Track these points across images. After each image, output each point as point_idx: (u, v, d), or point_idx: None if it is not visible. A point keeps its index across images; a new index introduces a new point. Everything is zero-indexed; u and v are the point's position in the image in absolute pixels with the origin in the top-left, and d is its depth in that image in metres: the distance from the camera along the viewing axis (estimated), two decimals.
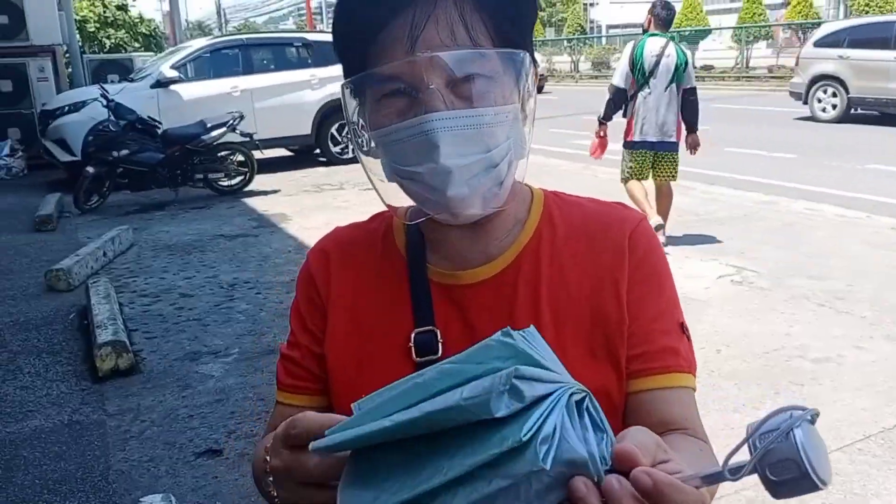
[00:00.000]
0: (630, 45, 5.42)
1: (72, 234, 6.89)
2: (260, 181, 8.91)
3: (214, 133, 8.14)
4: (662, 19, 5.36)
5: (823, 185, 7.64)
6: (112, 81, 10.96)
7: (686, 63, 5.28)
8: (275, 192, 8.70)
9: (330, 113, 10.15)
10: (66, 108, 9.18)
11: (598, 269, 0.83)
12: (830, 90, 12.57)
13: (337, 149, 10.35)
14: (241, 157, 8.58)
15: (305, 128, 10.10)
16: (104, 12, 18.87)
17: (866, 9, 22.45)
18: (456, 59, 0.71)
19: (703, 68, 23.70)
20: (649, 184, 5.52)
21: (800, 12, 23.33)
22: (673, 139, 5.34)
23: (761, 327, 3.96)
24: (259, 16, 77.79)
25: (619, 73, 5.43)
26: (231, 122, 8.24)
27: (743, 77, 22.89)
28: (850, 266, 4.92)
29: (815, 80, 12.74)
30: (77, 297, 4.93)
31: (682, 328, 0.84)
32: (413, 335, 0.83)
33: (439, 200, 0.74)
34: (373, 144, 0.79)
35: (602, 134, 5.60)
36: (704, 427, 0.82)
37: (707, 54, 27.06)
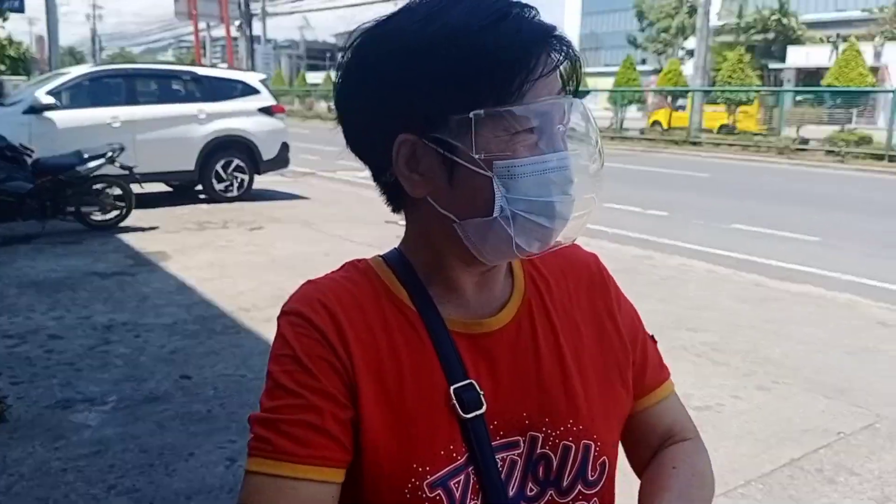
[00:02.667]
0: None
1: None
2: (137, 216, 8.51)
3: (91, 164, 7.72)
4: None
5: (693, 242, 8.14)
6: None
7: None
8: (153, 228, 8.33)
9: (216, 149, 9.90)
10: None
11: (593, 305, 0.93)
12: None
13: (221, 186, 10.07)
14: (118, 191, 8.17)
15: (189, 163, 9.77)
16: None
17: (729, 80, 24.44)
18: (583, 108, 0.81)
19: None
20: None
21: (670, 80, 25.07)
22: None
23: None
24: (136, 45, 75.36)
25: None
26: (110, 153, 7.86)
27: (617, 137, 24.23)
28: (723, 319, 5.24)
29: None
30: None
31: (653, 338, 0.99)
32: (452, 391, 0.80)
33: (555, 229, 0.80)
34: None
35: None
36: None
37: None
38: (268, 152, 10.32)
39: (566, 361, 0.87)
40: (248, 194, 10.32)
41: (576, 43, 0.82)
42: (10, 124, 8.31)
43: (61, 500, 2.82)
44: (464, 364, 0.82)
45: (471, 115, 0.75)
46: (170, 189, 10.80)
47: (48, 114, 8.81)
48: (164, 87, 10.27)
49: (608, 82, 29.22)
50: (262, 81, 10.99)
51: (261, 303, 5.45)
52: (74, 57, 62.65)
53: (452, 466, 0.80)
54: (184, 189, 10.66)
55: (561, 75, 0.79)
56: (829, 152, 18.99)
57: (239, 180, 10.20)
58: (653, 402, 0.95)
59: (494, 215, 0.77)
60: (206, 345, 4.54)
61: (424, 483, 0.78)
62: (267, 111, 10.39)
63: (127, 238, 7.76)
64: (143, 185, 8.61)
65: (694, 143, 21.51)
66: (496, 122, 0.75)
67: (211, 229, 8.36)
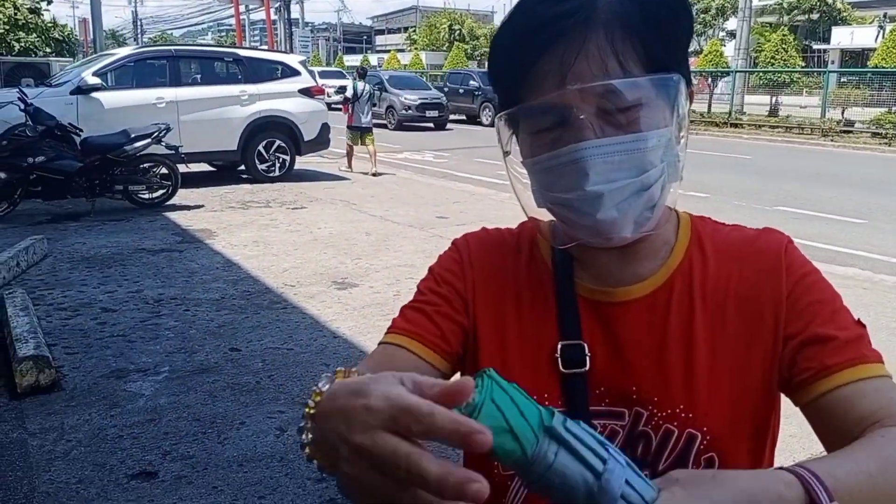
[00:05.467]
0: (351, 82, 11.74)
1: None
2: (182, 195, 8.67)
3: (138, 144, 7.88)
4: (361, 75, 11.76)
5: (737, 223, 8.03)
6: (28, 85, 10.46)
7: (372, 94, 11.92)
8: (198, 207, 8.48)
9: (258, 130, 10.02)
10: None
11: (758, 294, 0.82)
12: None
13: (263, 166, 10.19)
14: (164, 170, 8.33)
15: (232, 143, 9.90)
16: (15, 14, 18.04)
17: (772, 61, 23.91)
18: (604, 90, 0.72)
19: None
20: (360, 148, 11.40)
21: (710, 61, 24.61)
22: (370, 126, 11.47)
23: None
24: (176, 28, 76.12)
25: (349, 93, 11.43)
26: (157, 133, 8.00)
27: None
28: None
29: None
30: None
31: (859, 323, 0.80)
32: (559, 346, 0.83)
33: (590, 225, 0.76)
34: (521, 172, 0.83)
35: (345, 111, 11.82)
36: None
37: None
38: (309, 133, 10.40)
39: (696, 345, 0.81)
40: (290, 175, 10.43)
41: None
42: (57, 104, 8.50)
43: (118, 466, 2.92)
44: (580, 326, 0.84)
45: (497, 117, 0.82)
46: (213, 169, 10.97)
47: (95, 94, 8.99)
48: (208, 68, 10.42)
49: None
50: (302, 63, 11.07)
51: (304, 280, 5.54)
52: (117, 39, 63.58)
53: None
54: (227, 169, 10.82)
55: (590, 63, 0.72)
56: (874, 135, 18.51)
57: (280, 161, 10.31)
58: (839, 384, 0.74)
59: (541, 203, 0.82)
60: (253, 319, 4.64)
61: None
62: (307, 93, 10.47)
63: (173, 216, 7.92)
64: (188, 164, 8.75)
65: (735, 126, 21.13)
66: (519, 121, 0.80)
67: (254, 208, 8.48)
